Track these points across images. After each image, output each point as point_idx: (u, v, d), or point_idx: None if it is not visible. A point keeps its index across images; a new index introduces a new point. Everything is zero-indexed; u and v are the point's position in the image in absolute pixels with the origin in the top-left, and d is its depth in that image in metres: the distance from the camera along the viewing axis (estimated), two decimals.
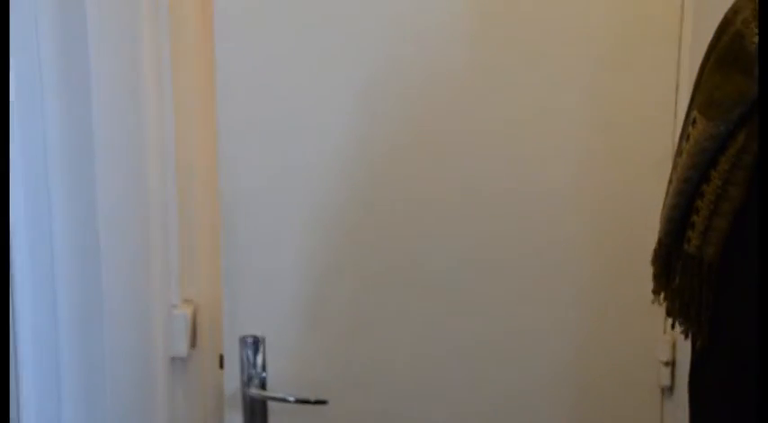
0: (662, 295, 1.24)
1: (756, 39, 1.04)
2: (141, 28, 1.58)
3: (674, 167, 1.19)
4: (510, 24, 1.71)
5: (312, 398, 1.70)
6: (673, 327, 1.21)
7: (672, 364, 1.82)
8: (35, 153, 1.40)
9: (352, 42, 1.69)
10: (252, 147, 1.70)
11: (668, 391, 1.84)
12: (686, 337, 1.19)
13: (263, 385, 1.73)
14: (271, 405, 1.75)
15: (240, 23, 1.66)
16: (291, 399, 1.70)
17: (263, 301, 1.75)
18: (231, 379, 1.75)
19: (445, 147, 1.74)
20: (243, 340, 1.72)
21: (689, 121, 1.16)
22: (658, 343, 1.82)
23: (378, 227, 1.75)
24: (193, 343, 1.82)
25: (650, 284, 1.26)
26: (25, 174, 1.38)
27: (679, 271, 1.17)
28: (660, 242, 1.22)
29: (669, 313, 1.22)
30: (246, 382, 1.73)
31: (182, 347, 1.78)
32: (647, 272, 1.27)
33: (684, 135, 1.16)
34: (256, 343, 1.72)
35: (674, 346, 1.81)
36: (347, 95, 1.70)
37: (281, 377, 1.74)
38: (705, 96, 1.12)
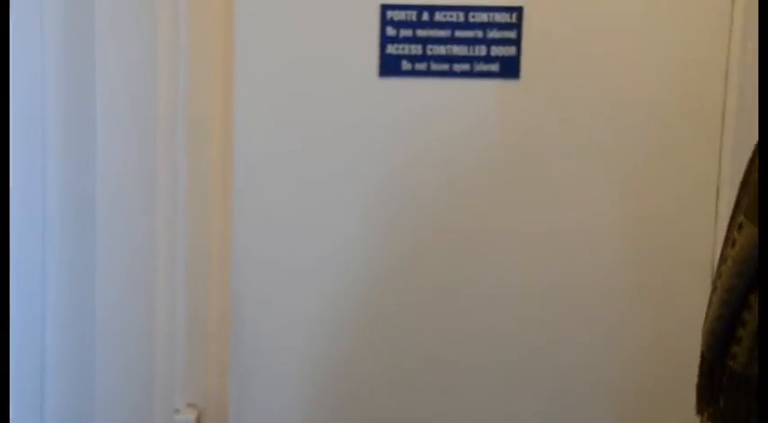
0: (705, 416, 1.16)
1: None
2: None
3: (718, 275, 1.13)
4: (541, 126, 1.68)
5: None
6: None
7: None
8: (32, 248, 1.38)
9: (371, 140, 1.67)
10: (266, 243, 1.68)
11: None
12: None
13: None
14: None
15: (260, 121, 1.66)
16: None
17: (271, 404, 1.70)
18: None
19: (465, 246, 1.70)
20: None
21: (734, 225, 1.11)
22: None
23: (390, 330, 1.71)
24: None
25: (691, 403, 1.18)
26: (20, 258, 1.34)
27: (724, 390, 1.10)
28: (703, 357, 1.15)
29: None
30: None
31: None
32: (687, 390, 1.20)
33: (729, 241, 1.11)
34: None
35: None
36: (362, 197, 1.68)
37: None
38: (752, 200, 1.07)
